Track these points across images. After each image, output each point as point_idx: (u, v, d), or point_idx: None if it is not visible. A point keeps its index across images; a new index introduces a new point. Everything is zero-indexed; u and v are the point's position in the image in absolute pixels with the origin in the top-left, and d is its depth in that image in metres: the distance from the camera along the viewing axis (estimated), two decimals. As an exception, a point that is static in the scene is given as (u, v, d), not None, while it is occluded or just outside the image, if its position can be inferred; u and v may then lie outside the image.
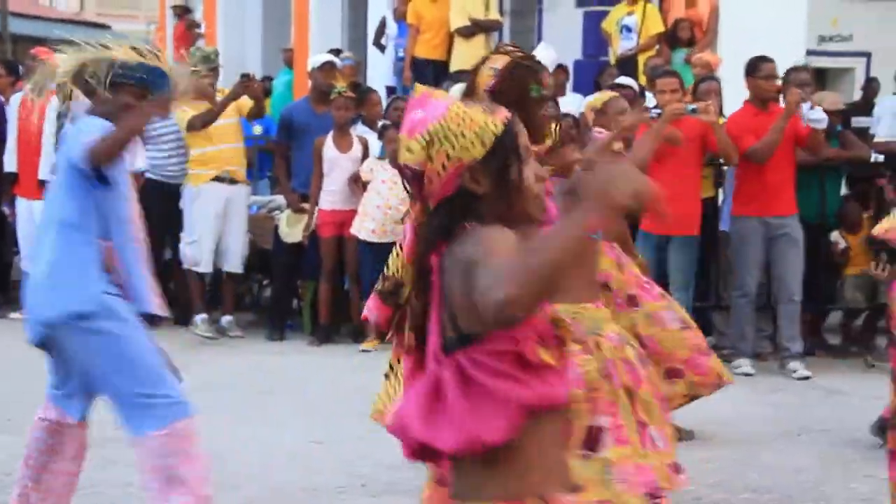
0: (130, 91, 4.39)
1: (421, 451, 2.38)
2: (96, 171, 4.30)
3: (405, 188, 2.48)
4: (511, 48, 3.96)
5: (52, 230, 4.36)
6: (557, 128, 3.96)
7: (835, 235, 8.93)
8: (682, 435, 6.38)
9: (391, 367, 3.94)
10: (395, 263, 3.55)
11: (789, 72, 8.96)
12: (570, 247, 2.15)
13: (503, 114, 2.45)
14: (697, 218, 8.22)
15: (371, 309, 3.69)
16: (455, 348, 2.34)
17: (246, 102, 9.50)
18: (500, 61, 3.83)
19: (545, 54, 9.90)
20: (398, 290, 3.22)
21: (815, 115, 8.17)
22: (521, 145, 2.43)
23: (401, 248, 3.33)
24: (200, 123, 9.29)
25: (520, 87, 3.66)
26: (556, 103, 3.85)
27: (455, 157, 2.37)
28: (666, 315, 6.11)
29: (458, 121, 2.39)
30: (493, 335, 2.30)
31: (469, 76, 3.96)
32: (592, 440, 4.15)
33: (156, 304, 4.51)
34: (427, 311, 2.42)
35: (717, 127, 8.03)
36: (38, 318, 4.34)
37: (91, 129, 4.33)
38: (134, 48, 4.45)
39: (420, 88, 2.47)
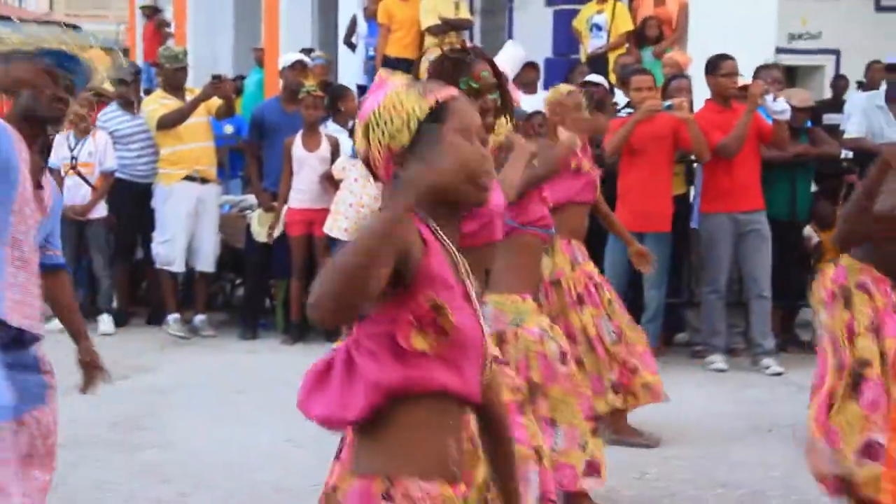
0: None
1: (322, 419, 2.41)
2: None
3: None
4: (451, 41, 4.02)
5: None
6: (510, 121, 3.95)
7: (808, 230, 9.00)
8: (648, 440, 6.45)
9: None
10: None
11: (759, 70, 9.01)
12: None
13: (440, 95, 2.45)
14: (669, 215, 8.27)
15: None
16: (357, 326, 2.38)
17: (215, 102, 9.48)
18: (434, 54, 3.85)
19: (513, 52, 9.96)
20: None
21: (778, 106, 8.20)
22: (456, 127, 2.43)
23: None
24: (170, 122, 9.28)
25: (449, 81, 3.69)
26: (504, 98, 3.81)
27: (385, 143, 2.40)
28: (601, 325, 6.18)
29: (389, 107, 2.41)
30: (374, 317, 2.33)
31: (413, 69, 4.00)
32: None
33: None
34: None
35: (691, 123, 8.08)
36: None
37: None
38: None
39: (382, 73, 2.51)
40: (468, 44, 4.01)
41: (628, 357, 6.30)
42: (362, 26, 12.46)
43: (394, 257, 2.22)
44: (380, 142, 2.40)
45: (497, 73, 3.79)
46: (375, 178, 2.48)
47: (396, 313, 2.31)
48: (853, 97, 11.40)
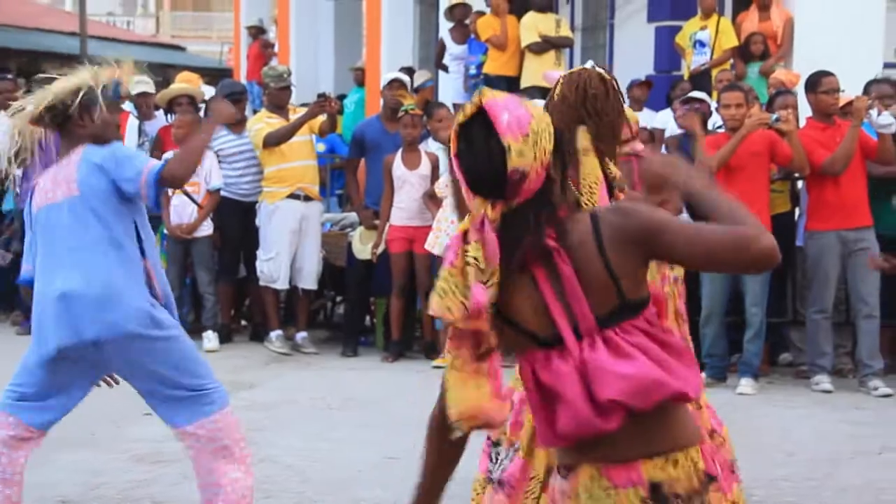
0: (110, 108, 4.66)
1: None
2: (157, 193, 4.47)
3: (492, 194, 2.49)
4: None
5: (98, 251, 4.45)
6: None
7: None
8: None
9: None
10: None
11: (870, 84, 8.85)
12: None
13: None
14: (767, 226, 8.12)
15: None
16: (620, 319, 2.46)
17: (317, 120, 9.58)
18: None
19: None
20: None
21: (883, 119, 8.07)
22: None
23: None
24: (276, 140, 9.39)
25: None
26: None
27: (548, 150, 2.49)
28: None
29: (539, 118, 2.51)
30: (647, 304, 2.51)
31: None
32: None
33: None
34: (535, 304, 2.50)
35: (793, 137, 7.97)
36: (93, 336, 4.42)
37: (134, 154, 4.68)
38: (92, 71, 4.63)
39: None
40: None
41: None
42: (453, 46, 12.48)
43: None
44: (545, 150, 2.49)
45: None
46: (513, 192, 2.48)
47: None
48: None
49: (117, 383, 4.73)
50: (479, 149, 2.48)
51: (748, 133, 7.87)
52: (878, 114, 8.07)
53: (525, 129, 2.46)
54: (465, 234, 2.47)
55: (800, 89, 8.91)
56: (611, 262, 2.47)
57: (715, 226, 2.49)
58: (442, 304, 2.43)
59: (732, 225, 2.48)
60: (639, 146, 5.69)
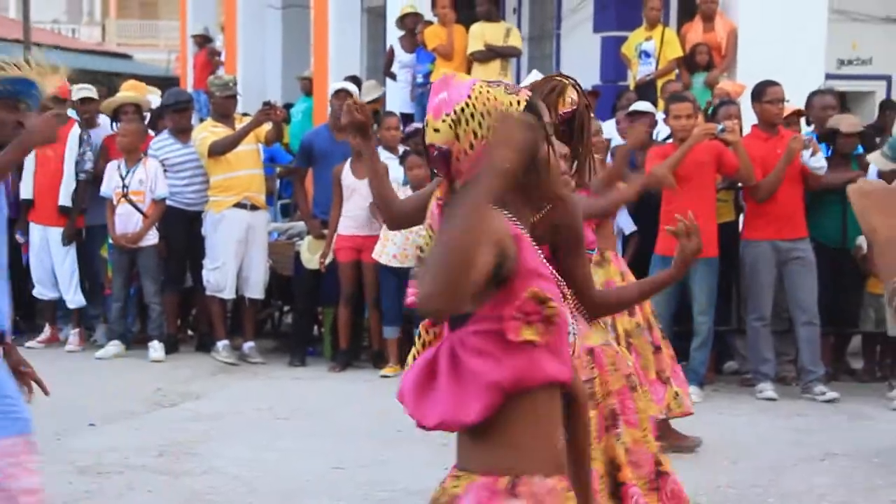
0: (2, 105, 4.37)
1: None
2: None
3: (430, 169, 2.54)
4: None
5: None
6: None
7: (860, 239, 8.82)
8: (692, 443, 6.62)
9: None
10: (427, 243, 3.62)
11: (814, 95, 8.97)
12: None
13: (524, 93, 2.54)
14: (714, 240, 8.20)
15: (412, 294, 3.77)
16: (456, 326, 2.40)
17: (264, 128, 9.56)
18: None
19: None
20: None
21: (815, 162, 8.30)
22: (545, 123, 2.50)
23: (431, 228, 3.41)
24: (221, 149, 9.35)
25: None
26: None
27: (483, 135, 2.44)
28: (644, 334, 6.37)
29: (483, 100, 2.47)
30: (478, 315, 2.36)
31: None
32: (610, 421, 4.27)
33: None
34: None
35: (739, 147, 8.09)
36: None
37: None
38: None
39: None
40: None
41: (663, 367, 6.43)
42: (402, 55, 12.50)
43: (494, 249, 2.28)
44: (475, 133, 2.45)
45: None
46: (447, 174, 2.50)
47: (501, 309, 2.36)
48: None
49: (47, 394, 4.61)
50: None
51: (695, 143, 7.96)
52: (811, 154, 8.23)
53: (449, 108, 2.48)
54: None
55: (745, 99, 9.01)
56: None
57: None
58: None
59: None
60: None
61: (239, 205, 9.46)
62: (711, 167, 8.15)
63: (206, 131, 9.57)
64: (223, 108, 9.67)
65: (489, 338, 2.36)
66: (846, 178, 8.58)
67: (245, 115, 10.10)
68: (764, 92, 8.29)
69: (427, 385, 2.41)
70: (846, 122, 8.77)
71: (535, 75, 10.42)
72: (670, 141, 8.43)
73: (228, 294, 9.55)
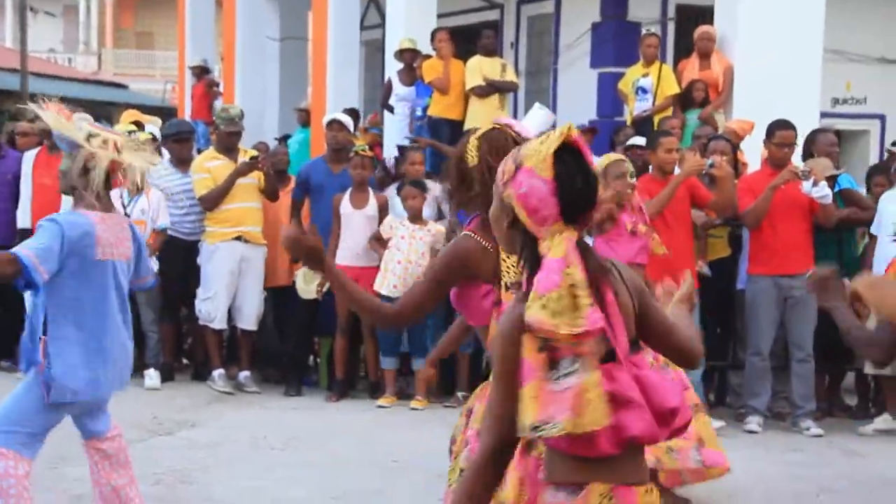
0: None
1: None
2: None
3: (576, 220, 2.66)
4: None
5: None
6: None
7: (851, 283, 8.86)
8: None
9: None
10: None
11: (816, 133, 9.02)
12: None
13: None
14: (693, 275, 8.16)
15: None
16: (634, 351, 2.66)
17: (259, 177, 9.57)
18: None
19: (539, 115, 10.06)
20: None
21: (818, 191, 8.24)
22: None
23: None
24: (209, 204, 9.49)
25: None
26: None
27: None
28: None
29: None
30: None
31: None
32: None
33: None
34: None
35: (726, 182, 8.14)
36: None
37: None
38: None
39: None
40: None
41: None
42: (400, 88, 12.55)
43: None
44: None
45: None
46: (588, 222, 2.68)
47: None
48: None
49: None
50: (577, 176, 2.61)
51: (685, 178, 8.02)
52: (814, 185, 8.23)
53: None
54: (563, 258, 2.57)
55: (758, 134, 9.05)
56: (634, 297, 2.73)
57: (683, 327, 2.94)
58: (554, 322, 2.51)
59: (691, 340, 2.90)
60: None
61: (235, 237, 9.49)
62: (686, 201, 8.22)
63: (202, 170, 9.58)
64: (227, 142, 9.72)
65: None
66: (838, 218, 8.62)
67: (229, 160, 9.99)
68: (773, 133, 8.37)
69: (619, 403, 2.58)
70: (819, 167, 8.70)
71: (538, 109, 10.50)
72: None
73: (219, 324, 9.57)
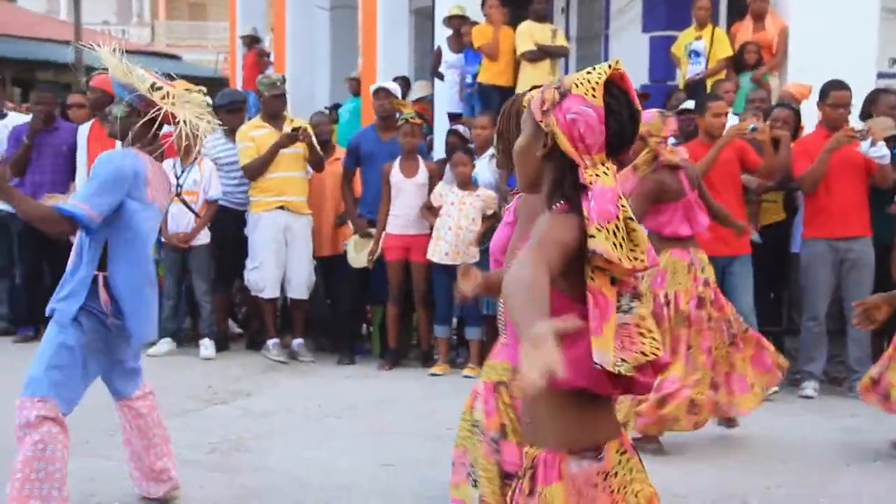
0: None
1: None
2: None
3: (615, 152, 2.64)
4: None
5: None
6: None
7: None
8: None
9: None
10: None
11: (878, 92, 8.87)
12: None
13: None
14: (747, 238, 8.11)
15: None
16: None
17: (304, 148, 9.57)
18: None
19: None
20: None
21: (876, 151, 8.12)
22: None
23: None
24: (251, 174, 9.51)
25: None
26: None
27: None
28: None
29: None
30: None
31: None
32: None
33: None
34: None
35: (767, 146, 8.10)
36: None
37: None
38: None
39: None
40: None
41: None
42: (449, 55, 12.50)
43: None
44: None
45: None
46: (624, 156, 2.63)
47: None
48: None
49: None
50: (624, 108, 2.59)
51: (728, 142, 7.94)
52: (871, 144, 8.10)
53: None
54: (615, 188, 2.55)
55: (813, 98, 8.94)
56: None
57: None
58: (615, 253, 2.49)
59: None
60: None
61: (279, 206, 9.51)
62: (734, 164, 8.13)
63: (248, 138, 9.59)
64: (271, 108, 9.72)
65: None
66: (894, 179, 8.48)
67: (282, 132, 9.99)
68: (828, 94, 8.23)
69: None
70: (879, 126, 8.59)
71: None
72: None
73: (270, 293, 9.60)
